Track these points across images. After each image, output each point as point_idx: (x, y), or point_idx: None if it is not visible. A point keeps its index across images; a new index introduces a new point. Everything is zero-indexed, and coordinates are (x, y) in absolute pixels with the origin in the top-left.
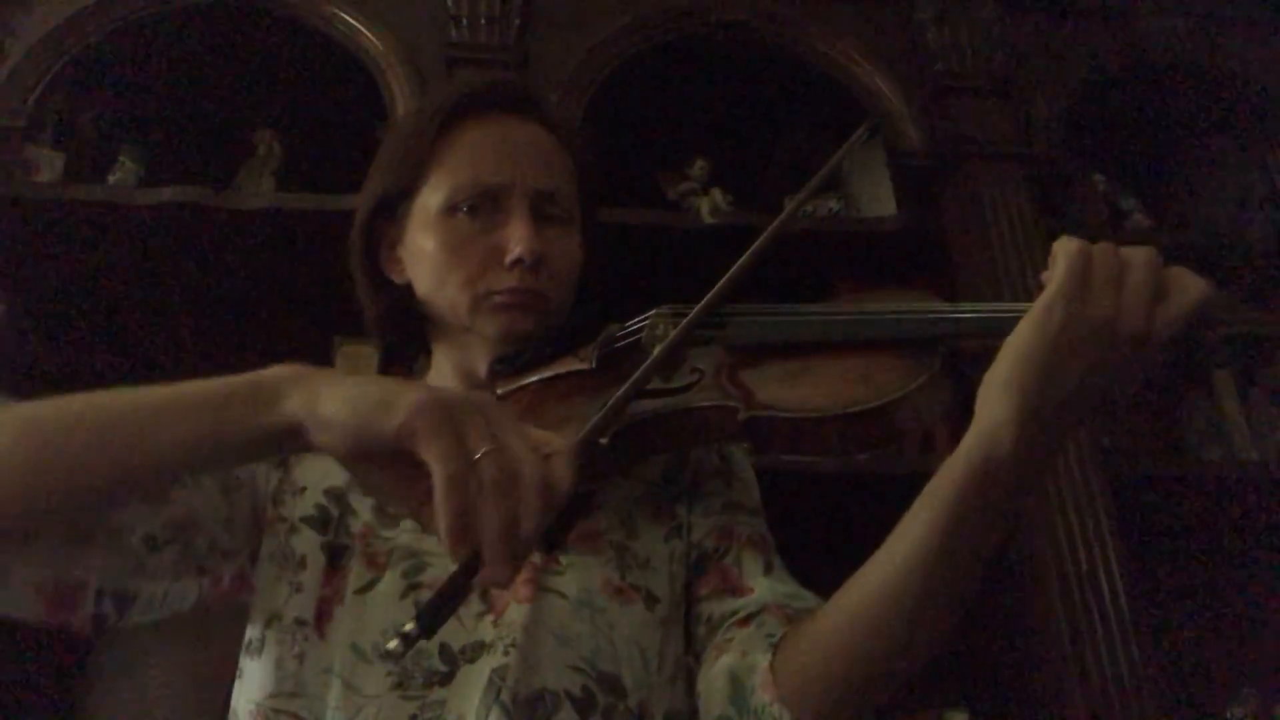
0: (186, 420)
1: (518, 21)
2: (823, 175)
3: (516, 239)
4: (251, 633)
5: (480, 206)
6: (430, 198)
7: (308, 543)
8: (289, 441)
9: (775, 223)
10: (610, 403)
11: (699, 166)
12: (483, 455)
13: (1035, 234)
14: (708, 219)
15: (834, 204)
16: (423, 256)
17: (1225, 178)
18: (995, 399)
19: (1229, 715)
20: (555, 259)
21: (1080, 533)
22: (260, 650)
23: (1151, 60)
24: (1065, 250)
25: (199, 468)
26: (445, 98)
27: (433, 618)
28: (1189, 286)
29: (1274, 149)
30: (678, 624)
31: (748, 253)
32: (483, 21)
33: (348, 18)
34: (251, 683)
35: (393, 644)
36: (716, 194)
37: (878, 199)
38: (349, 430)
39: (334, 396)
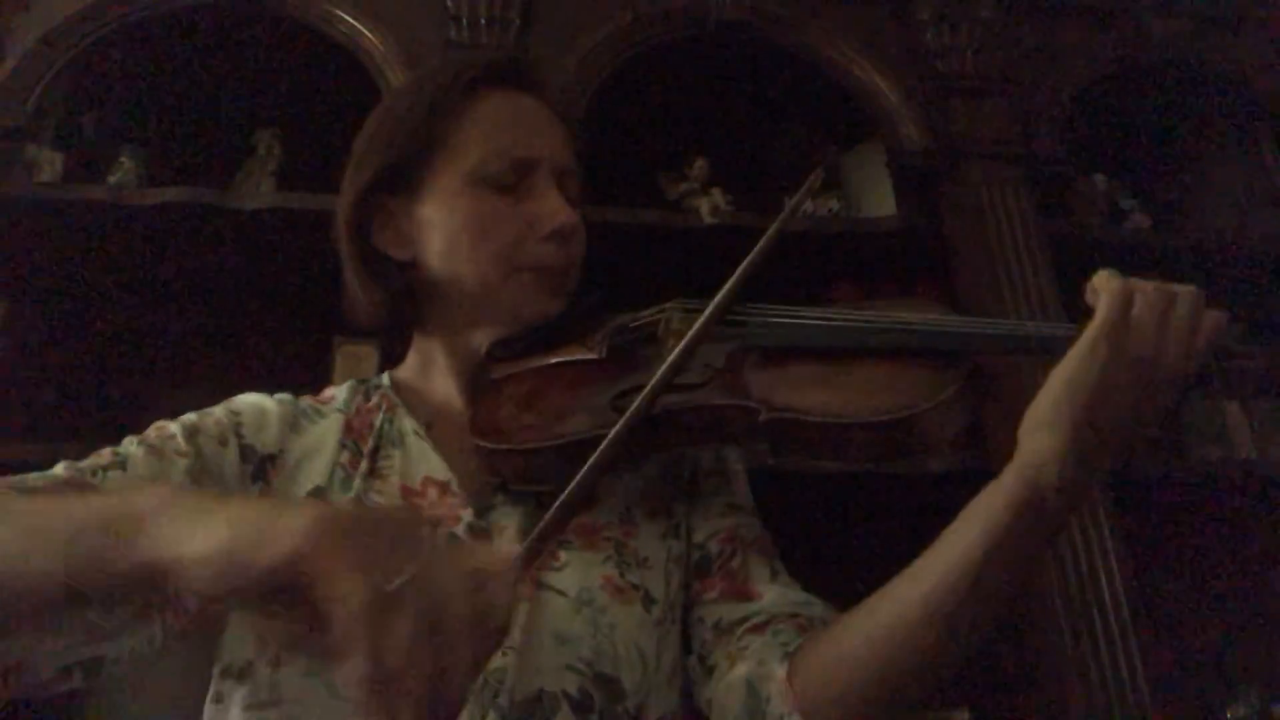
0: (41, 555)
1: (518, 21)
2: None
3: (557, 210)
4: (232, 655)
5: (509, 179)
6: (451, 167)
7: None
8: (153, 587)
9: (778, 221)
10: (584, 471)
11: (699, 166)
12: (401, 584)
13: (1035, 234)
14: (708, 219)
15: (834, 204)
16: (442, 228)
17: (1225, 178)
18: (1042, 434)
19: (1229, 715)
20: (579, 236)
21: (1080, 533)
22: (246, 671)
23: (1151, 60)
24: (1108, 288)
25: (63, 608)
26: (460, 68)
27: None
28: (1208, 319)
29: (1274, 149)
30: (674, 625)
31: (756, 249)
32: (483, 21)
33: (348, 18)
34: (229, 701)
35: None
36: (716, 194)
37: (877, 199)
38: (223, 571)
39: (204, 528)
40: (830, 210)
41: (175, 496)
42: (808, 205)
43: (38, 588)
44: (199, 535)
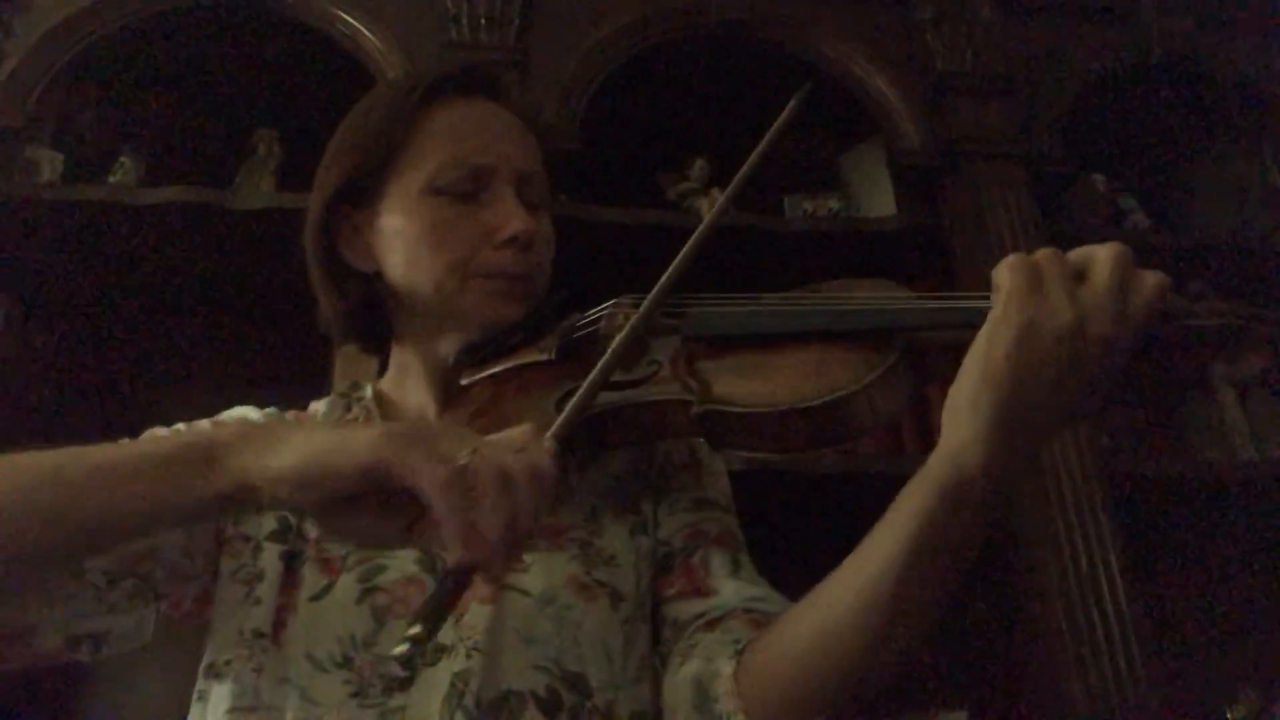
0: (129, 486)
1: (518, 21)
2: (762, 150)
3: (511, 217)
4: (214, 654)
5: (465, 187)
6: (409, 177)
7: (269, 558)
8: (241, 501)
9: (719, 203)
10: (573, 402)
11: (699, 166)
12: (467, 459)
13: (1035, 234)
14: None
15: (834, 204)
16: (401, 238)
17: (1225, 178)
18: (960, 418)
19: (1229, 715)
20: (539, 242)
21: (1080, 533)
22: (224, 670)
23: (1151, 60)
24: (1005, 264)
25: (149, 531)
26: (420, 77)
27: (435, 620)
28: (1147, 281)
29: (1274, 149)
30: (643, 623)
31: (694, 234)
32: (483, 21)
33: (348, 18)
34: (211, 701)
35: (400, 648)
36: (716, 194)
37: (878, 199)
38: (308, 479)
39: (286, 448)
40: (830, 210)
41: (248, 427)
42: (808, 205)
43: (113, 522)
44: (285, 452)
